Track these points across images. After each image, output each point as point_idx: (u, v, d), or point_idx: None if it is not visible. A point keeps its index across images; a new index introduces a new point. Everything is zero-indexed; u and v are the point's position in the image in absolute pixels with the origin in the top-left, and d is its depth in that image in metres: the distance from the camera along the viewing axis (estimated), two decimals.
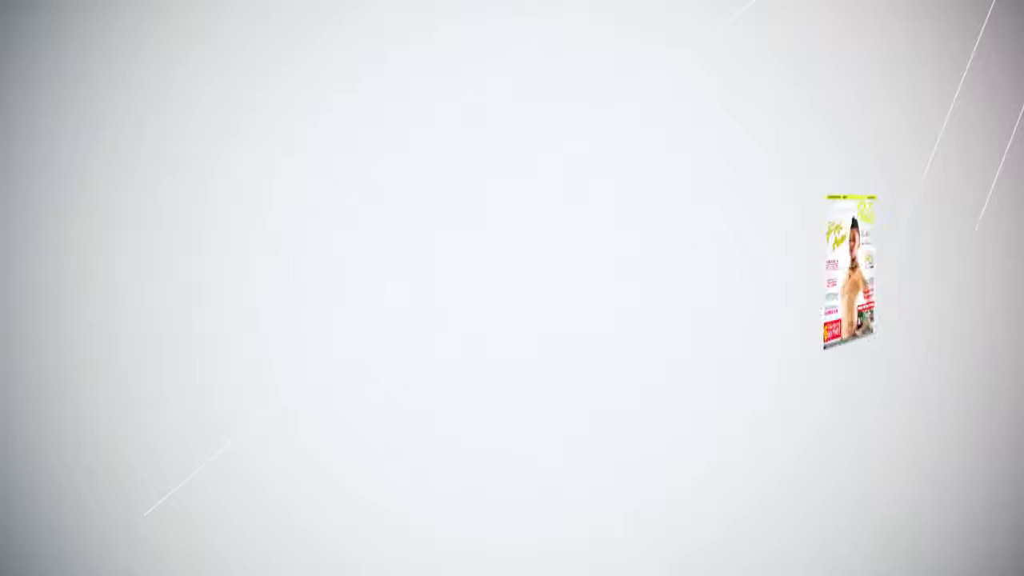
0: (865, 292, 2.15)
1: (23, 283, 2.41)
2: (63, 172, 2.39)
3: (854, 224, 2.12)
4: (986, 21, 2.24)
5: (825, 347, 2.15)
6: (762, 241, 2.14)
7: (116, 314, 1.94)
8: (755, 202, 2.14)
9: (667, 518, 2.22)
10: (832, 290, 2.10)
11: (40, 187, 2.40)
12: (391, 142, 2.36)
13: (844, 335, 2.15)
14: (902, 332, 2.42)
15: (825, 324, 2.08)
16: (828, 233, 2.08)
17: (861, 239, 2.13)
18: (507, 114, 2.19)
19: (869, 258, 2.16)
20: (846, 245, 2.11)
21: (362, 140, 2.36)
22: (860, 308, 2.16)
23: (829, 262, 2.10)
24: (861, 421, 2.32)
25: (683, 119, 2.15)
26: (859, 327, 2.15)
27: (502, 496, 2.38)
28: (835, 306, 2.11)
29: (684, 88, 2.15)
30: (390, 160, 2.36)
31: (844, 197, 2.12)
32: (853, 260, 2.12)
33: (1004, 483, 2.37)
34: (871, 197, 2.17)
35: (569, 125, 2.14)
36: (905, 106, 2.31)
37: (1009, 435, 2.37)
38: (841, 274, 2.11)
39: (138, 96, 2.36)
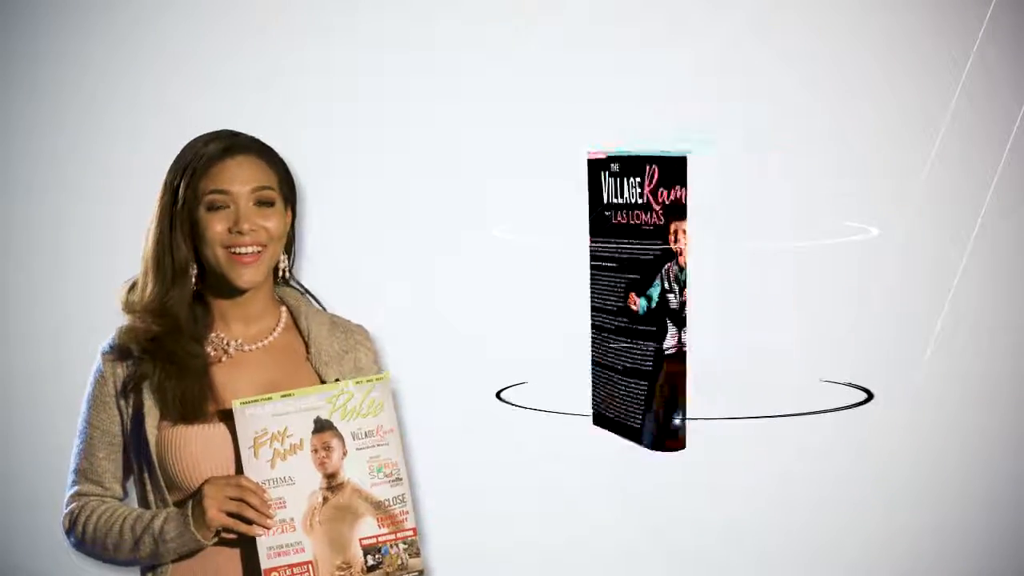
0: (381, 519, 1.53)
1: (23, 283, 2.41)
2: (61, 177, 2.40)
3: (321, 428, 1.53)
4: (986, 21, 2.24)
5: None
6: None
7: (116, 314, 1.93)
8: None
9: None
10: (282, 514, 1.50)
11: (40, 191, 2.40)
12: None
13: None
14: None
15: (272, 571, 1.48)
16: (255, 447, 1.50)
17: (355, 445, 1.53)
18: None
19: (383, 468, 1.54)
20: (304, 457, 1.52)
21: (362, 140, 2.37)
22: (368, 543, 1.53)
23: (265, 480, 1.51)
24: None
25: None
26: (372, 568, 1.52)
27: (501, 497, 2.38)
28: (298, 543, 1.50)
29: None
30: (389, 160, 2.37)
31: (268, 399, 1.51)
32: (331, 477, 1.53)
33: (1004, 483, 2.37)
34: (366, 382, 1.55)
35: None
36: (906, 105, 2.31)
37: (1009, 435, 2.37)
38: (300, 497, 1.51)
39: (137, 99, 2.37)
